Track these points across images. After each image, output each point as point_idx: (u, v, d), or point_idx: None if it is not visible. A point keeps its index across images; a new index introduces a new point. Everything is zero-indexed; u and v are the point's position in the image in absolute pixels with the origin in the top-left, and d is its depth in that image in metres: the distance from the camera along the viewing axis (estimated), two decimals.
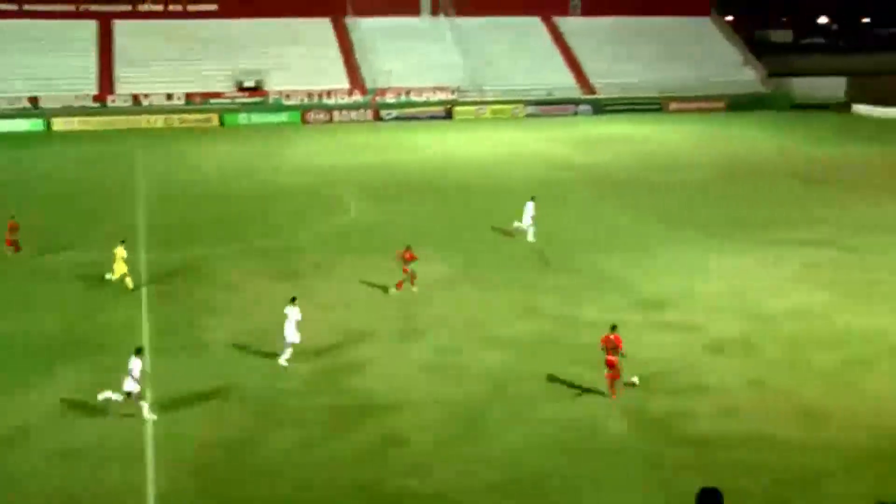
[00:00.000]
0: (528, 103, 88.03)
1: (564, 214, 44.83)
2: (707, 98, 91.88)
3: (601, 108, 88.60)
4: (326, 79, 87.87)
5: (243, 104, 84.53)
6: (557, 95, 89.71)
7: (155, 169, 59.80)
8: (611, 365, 23.66)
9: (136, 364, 22.18)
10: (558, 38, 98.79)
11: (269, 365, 25.89)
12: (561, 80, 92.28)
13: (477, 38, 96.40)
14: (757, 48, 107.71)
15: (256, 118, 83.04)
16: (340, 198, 49.34)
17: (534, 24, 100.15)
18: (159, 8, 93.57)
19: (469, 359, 26.50)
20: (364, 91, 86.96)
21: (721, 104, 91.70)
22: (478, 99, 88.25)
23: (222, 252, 38.28)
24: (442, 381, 25.03)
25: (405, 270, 32.41)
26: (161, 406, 23.16)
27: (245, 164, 61.10)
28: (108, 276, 33.00)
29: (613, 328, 24.04)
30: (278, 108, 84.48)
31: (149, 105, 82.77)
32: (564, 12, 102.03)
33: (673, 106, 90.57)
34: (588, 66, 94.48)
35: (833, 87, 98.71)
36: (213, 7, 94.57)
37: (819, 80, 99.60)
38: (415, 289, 32.38)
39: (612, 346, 23.66)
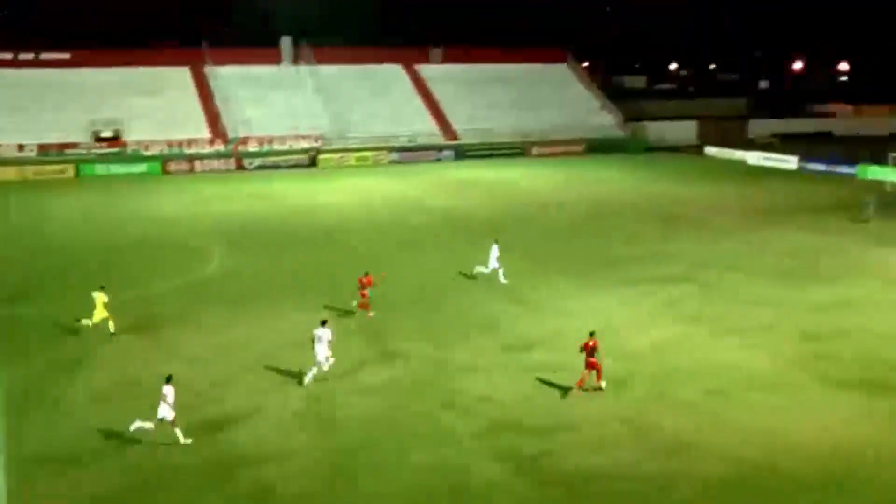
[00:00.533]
0: (391, 150, 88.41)
1: (430, 258, 44.94)
2: (567, 142, 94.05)
3: (464, 153, 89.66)
4: (187, 128, 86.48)
5: (101, 155, 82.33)
6: (420, 142, 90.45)
7: (6, 221, 57.55)
8: (591, 366, 26.84)
9: (169, 391, 23.29)
10: (420, 85, 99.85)
11: (134, 418, 24.98)
12: (424, 127, 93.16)
13: (339, 86, 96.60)
14: (613, 93, 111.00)
15: (115, 169, 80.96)
16: (203, 248, 48.35)
17: (395, 71, 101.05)
18: (9, 56, 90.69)
19: (340, 406, 26.16)
20: (225, 140, 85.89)
21: (580, 147, 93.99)
22: (341, 146, 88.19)
23: (78, 304, 36.85)
24: (313, 430, 24.61)
25: (363, 295, 34.37)
26: (18, 468, 22.02)
27: (103, 215, 59.38)
28: (84, 321, 32.48)
29: (592, 334, 27.27)
30: (138, 158, 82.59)
31: None
32: (425, 60, 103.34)
33: (534, 150, 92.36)
34: (450, 113, 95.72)
35: (685, 130, 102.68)
36: (65, 56, 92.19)
37: (672, 124, 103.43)
38: (371, 314, 34.06)
39: (591, 350, 26.78)
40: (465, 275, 41.57)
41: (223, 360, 30.25)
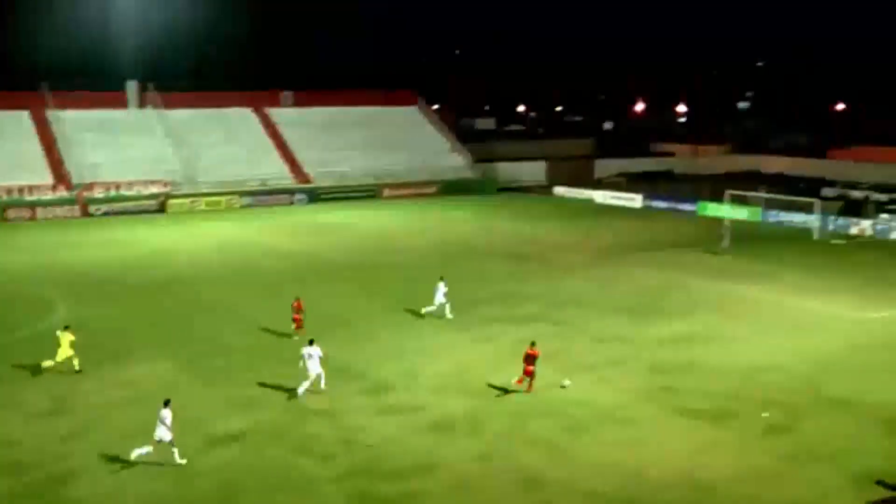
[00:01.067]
0: (243, 194, 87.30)
1: (285, 304, 44.53)
2: (419, 184, 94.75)
3: (317, 196, 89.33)
4: (27, 174, 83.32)
5: None
6: (272, 185, 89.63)
7: None
8: (528, 373, 30.39)
9: (167, 414, 25.06)
10: (271, 129, 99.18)
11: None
12: (276, 171, 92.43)
13: (188, 131, 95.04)
14: (463, 135, 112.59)
15: None
16: (46, 298, 46.57)
17: (246, 115, 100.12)
18: None
19: (192, 457, 25.57)
20: (69, 186, 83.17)
21: (433, 189, 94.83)
22: (192, 191, 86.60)
23: None
24: (163, 484, 23.96)
25: (296, 318, 37.82)
26: None
27: None
28: (46, 363, 33.27)
29: (533, 344, 31.14)
30: None
31: None
32: (276, 104, 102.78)
33: (387, 192, 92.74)
34: (302, 156, 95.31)
35: (535, 170, 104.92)
36: None
37: (522, 165, 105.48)
38: (296, 337, 36.73)
39: (531, 358, 30.55)
40: (319, 317, 41.31)
41: (67, 415, 29.15)
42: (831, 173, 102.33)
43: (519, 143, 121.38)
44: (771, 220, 71.47)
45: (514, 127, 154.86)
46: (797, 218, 70.07)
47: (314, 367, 30.54)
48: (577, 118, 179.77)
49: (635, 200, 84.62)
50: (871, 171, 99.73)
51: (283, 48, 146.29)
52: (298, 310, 38.35)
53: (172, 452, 25.01)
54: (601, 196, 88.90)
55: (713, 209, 75.78)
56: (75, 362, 33.32)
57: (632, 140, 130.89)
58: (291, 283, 49.59)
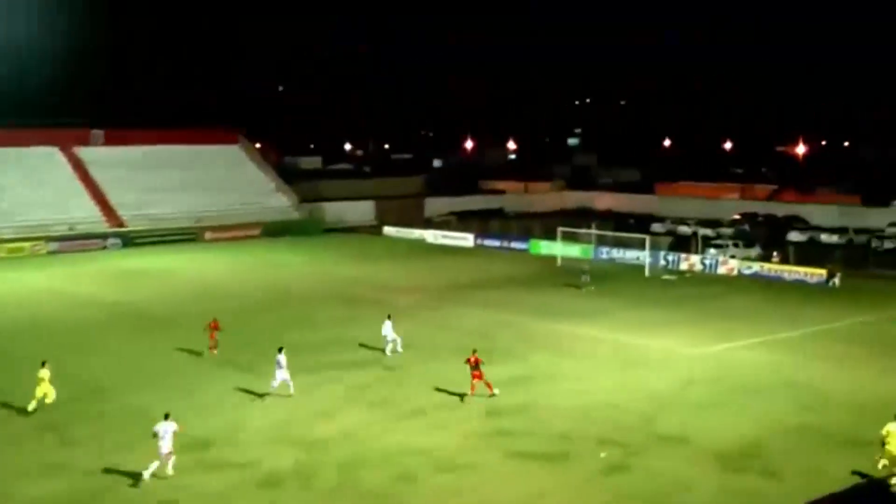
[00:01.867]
0: (49, 239, 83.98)
1: (93, 356, 42.91)
2: (242, 225, 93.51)
3: (132, 240, 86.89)
4: None
5: None
6: (82, 230, 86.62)
7: None
8: (477, 377, 34.95)
9: (169, 426, 27.84)
10: (80, 169, 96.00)
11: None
12: (86, 214, 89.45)
13: None
14: (288, 175, 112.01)
15: None
16: None
17: (52, 155, 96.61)
18: None
19: None
20: None
21: (257, 231, 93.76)
22: None
23: None
24: None
25: (212, 337, 42.42)
26: None
27: None
28: (31, 406, 34.00)
29: (474, 351, 35.85)
30: None
31: None
32: (85, 142, 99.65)
33: (208, 235, 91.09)
34: (115, 198, 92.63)
35: (363, 210, 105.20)
36: None
37: (350, 204, 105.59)
38: (215, 352, 41.95)
39: (474, 364, 35.08)
40: (137, 371, 39.97)
41: None
42: (659, 209, 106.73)
43: (346, 182, 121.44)
44: (603, 256, 73.69)
45: (341, 165, 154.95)
46: (629, 254, 72.42)
47: (281, 375, 35.50)
48: (406, 156, 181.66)
49: (467, 239, 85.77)
50: (697, 206, 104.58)
51: (93, 83, 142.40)
52: (214, 328, 42.90)
53: (167, 463, 27.59)
54: (432, 235, 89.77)
55: (546, 247, 77.50)
56: (51, 394, 34.22)
57: (462, 177, 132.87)
58: (102, 336, 47.89)
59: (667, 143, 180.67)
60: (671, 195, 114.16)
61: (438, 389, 36.75)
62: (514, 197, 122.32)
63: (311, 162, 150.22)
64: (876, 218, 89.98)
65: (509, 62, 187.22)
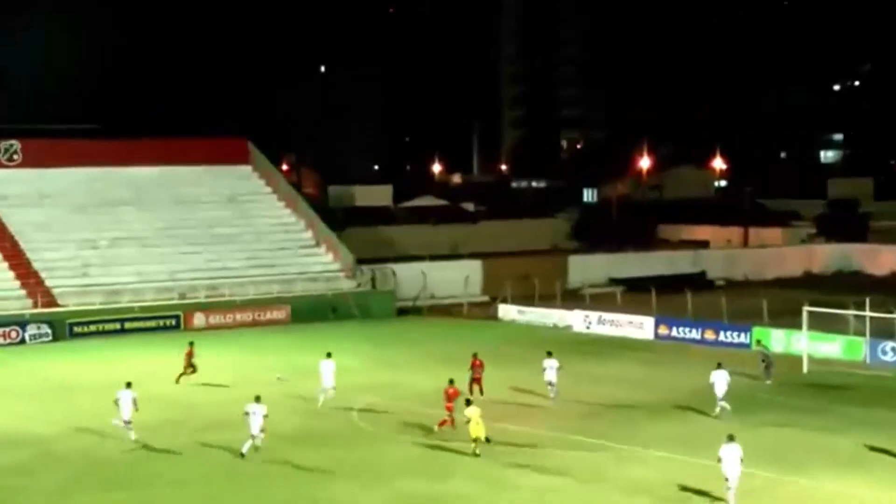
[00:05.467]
0: None
1: None
2: (257, 304, 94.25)
3: (69, 330, 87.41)
4: None
5: None
6: None
7: None
8: (449, 410, 53.71)
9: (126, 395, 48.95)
10: None
11: None
12: None
13: None
14: (335, 216, 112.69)
15: None
16: None
17: None
18: None
19: None
20: None
21: (282, 313, 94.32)
22: None
23: None
24: None
25: (187, 364, 64.53)
26: None
27: None
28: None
29: (451, 382, 54.58)
30: None
31: None
32: None
33: (198, 319, 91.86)
34: (39, 257, 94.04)
35: (464, 276, 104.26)
36: None
37: (442, 267, 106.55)
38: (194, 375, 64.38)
39: (450, 397, 53.98)
40: None
41: None
42: None
43: (435, 230, 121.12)
44: (885, 358, 72.52)
45: (425, 200, 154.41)
46: None
47: (256, 424, 50.48)
48: (539, 183, 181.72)
49: (642, 326, 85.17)
50: None
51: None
52: (190, 356, 64.48)
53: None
54: (582, 319, 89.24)
55: (781, 340, 76.22)
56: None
57: (631, 220, 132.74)
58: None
59: None
60: None
61: None
62: (723, 254, 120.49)
63: (376, 194, 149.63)
64: None
65: None
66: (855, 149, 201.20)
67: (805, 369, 70.40)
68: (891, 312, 73.55)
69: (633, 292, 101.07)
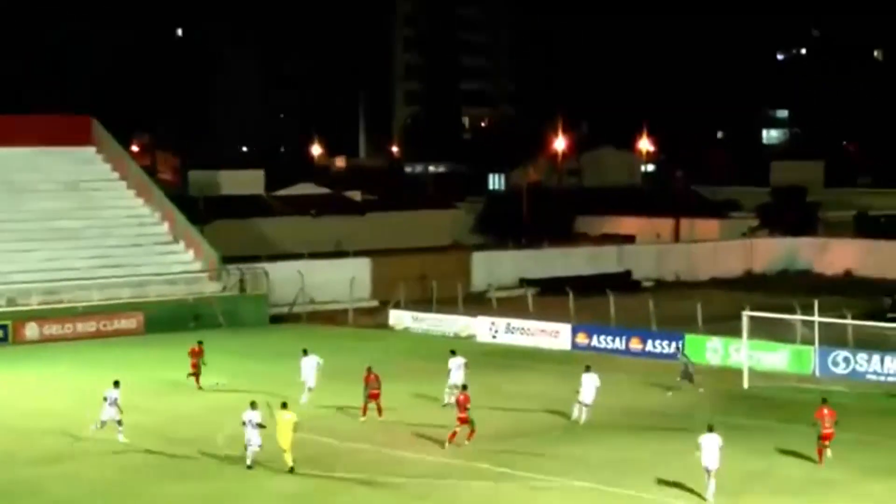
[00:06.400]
0: None
1: None
2: (102, 311, 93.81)
3: None
4: None
5: None
6: None
7: None
8: (463, 421, 55.97)
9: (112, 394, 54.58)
10: None
11: None
12: None
13: None
14: (196, 207, 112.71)
15: None
16: None
17: None
18: None
19: None
20: None
21: (132, 321, 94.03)
22: None
23: None
24: None
25: (194, 365, 68.14)
26: None
27: None
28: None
29: (465, 388, 57.58)
30: None
31: None
32: None
33: (29, 331, 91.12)
34: None
35: (349, 277, 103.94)
36: None
37: (323, 266, 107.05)
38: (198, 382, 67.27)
39: (463, 405, 55.92)
40: None
41: None
42: None
43: (315, 223, 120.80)
44: (836, 371, 72.98)
45: (303, 188, 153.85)
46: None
47: (255, 436, 52.82)
48: (438, 168, 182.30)
49: (557, 335, 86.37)
50: None
51: None
52: (197, 354, 67.80)
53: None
54: (488, 327, 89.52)
55: (717, 350, 77.54)
56: None
57: (545, 211, 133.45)
58: None
59: None
60: None
61: None
62: (652, 250, 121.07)
63: (245, 180, 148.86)
64: None
65: None
66: (802, 127, 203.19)
67: (746, 384, 70.93)
68: (843, 317, 74.03)
69: (548, 295, 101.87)
